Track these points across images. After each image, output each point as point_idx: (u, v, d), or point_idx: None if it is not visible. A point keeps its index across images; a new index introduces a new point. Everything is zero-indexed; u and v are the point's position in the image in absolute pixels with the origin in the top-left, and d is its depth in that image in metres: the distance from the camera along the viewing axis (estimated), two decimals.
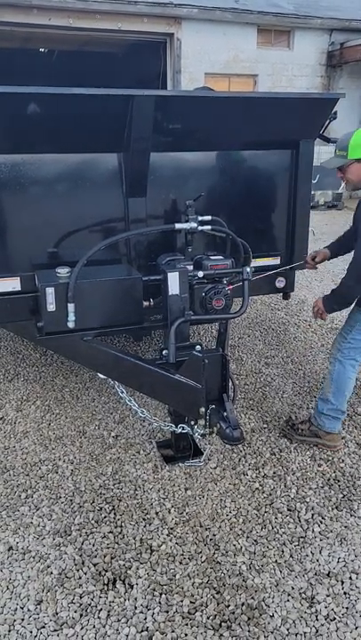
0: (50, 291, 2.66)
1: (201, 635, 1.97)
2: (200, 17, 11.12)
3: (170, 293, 2.71)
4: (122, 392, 2.93)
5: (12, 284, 2.96)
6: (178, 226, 2.98)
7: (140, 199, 3.14)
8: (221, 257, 3.06)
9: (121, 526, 2.49)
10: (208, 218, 3.04)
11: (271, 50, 12.37)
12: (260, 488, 2.76)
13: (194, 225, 2.98)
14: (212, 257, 3.03)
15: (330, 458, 3.00)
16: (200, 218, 3.01)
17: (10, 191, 2.84)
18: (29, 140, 2.75)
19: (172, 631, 1.98)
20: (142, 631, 1.98)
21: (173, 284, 2.71)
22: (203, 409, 2.57)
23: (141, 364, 2.75)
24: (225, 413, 2.51)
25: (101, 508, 2.60)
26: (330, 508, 2.62)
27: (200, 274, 2.84)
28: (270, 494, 2.71)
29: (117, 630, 1.98)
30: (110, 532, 2.45)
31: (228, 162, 3.35)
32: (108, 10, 10.28)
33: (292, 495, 2.71)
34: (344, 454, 3.03)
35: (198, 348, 2.76)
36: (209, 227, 3.04)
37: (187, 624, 2.01)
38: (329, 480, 2.83)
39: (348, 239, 3.13)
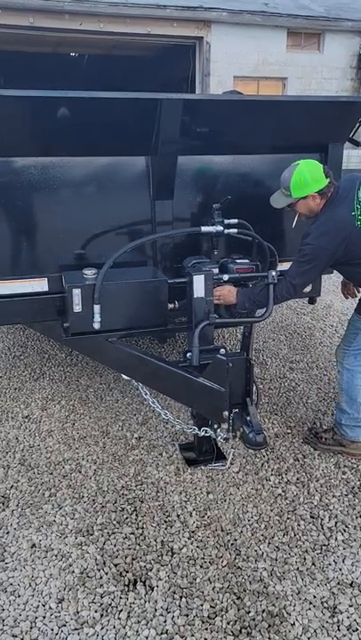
0: (76, 292, 2.69)
1: None
2: (230, 20, 11.14)
3: (195, 296, 2.71)
4: (145, 394, 2.94)
5: (40, 285, 3.00)
6: (204, 229, 2.98)
7: (168, 202, 3.15)
8: (247, 260, 3.05)
9: (142, 528, 2.49)
10: (234, 221, 3.03)
11: (301, 53, 12.31)
12: (283, 494, 2.73)
13: (220, 228, 2.99)
14: (237, 260, 3.02)
15: (355, 465, 2.95)
16: (226, 221, 3.01)
17: (40, 193, 2.89)
18: (59, 143, 2.79)
19: (192, 635, 1.98)
20: (162, 634, 1.98)
21: (199, 286, 2.71)
22: (226, 413, 2.56)
23: (165, 366, 2.76)
24: (248, 418, 2.50)
25: (123, 509, 2.61)
26: (354, 517, 2.58)
27: (225, 277, 2.84)
28: (293, 501, 2.69)
29: (137, 632, 1.99)
30: (132, 533, 2.46)
31: (255, 165, 3.33)
32: (139, 14, 10.39)
33: (315, 502, 2.68)
34: None
35: (223, 351, 2.75)
36: (235, 230, 3.03)
37: (206, 628, 2.00)
38: (353, 488, 2.78)
39: None
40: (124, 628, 2.00)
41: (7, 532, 2.46)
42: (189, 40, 11.35)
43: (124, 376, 3.04)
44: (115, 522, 2.53)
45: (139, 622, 2.03)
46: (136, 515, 2.58)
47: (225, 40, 11.30)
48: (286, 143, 3.20)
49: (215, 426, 2.68)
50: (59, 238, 2.98)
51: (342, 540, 2.44)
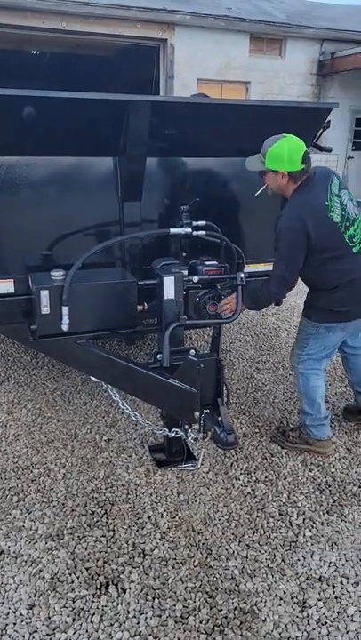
0: (44, 293, 2.66)
1: (194, 639, 1.97)
2: (193, 23, 11.18)
3: (165, 297, 2.72)
4: (115, 395, 2.93)
5: (5, 287, 2.95)
6: (172, 231, 3.00)
7: (136, 203, 3.15)
8: (216, 262, 3.08)
9: (113, 530, 2.48)
10: (202, 223, 3.06)
11: (263, 58, 12.47)
12: (252, 492, 2.77)
13: (188, 230, 3.01)
14: (206, 262, 3.05)
15: (321, 463, 3.02)
16: (194, 223, 3.04)
17: (5, 193, 2.84)
18: (25, 143, 2.76)
19: (165, 635, 1.98)
20: (135, 636, 1.98)
21: (169, 288, 2.73)
22: (197, 413, 2.58)
23: (136, 367, 2.76)
24: (219, 418, 2.53)
25: (94, 512, 2.59)
26: (321, 513, 2.64)
27: (195, 279, 2.86)
28: (262, 499, 2.73)
29: (110, 635, 1.98)
30: (103, 535, 2.45)
31: (222, 168, 3.38)
32: (102, 14, 10.30)
33: (283, 500, 2.73)
34: (335, 459, 3.05)
35: (192, 352, 2.77)
36: (203, 232, 3.06)
37: (180, 628, 2.01)
38: (320, 485, 2.85)
39: None
40: (97, 631, 1.99)
41: None
42: (153, 42, 11.32)
43: (93, 378, 3.02)
44: (85, 525, 2.51)
45: (112, 625, 2.02)
46: (107, 517, 2.56)
47: (189, 43, 11.34)
48: (253, 146, 3.24)
49: (186, 427, 2.70)
50: (25, 239, 2.94)
51: (310, 537, 2.49)
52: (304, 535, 2.50)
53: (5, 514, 2.56)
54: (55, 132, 2.77)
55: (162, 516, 2.58)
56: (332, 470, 2.96)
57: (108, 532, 2.48)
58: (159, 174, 3.22)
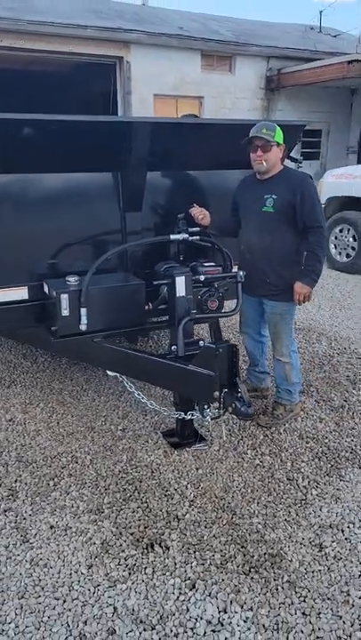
0: (64, 297, 2.96)
1: (235, 579, 2.31)
2: (147, 42, 11.66)
3: (178, 295, 3.07)
4: (130, 387, 3.24)
5: (20, 294, 3.22)
6: (172, 237, 3.37)
7: (137, 213, 3.49)
8: (213, 263, 3.46)
9: (147, 502, 2.79)
10: (197, 229, 3.44)
11: (214, 73, 13.10)
12: (261, 464, 3.14)
13: (186, 236, 3.38)
14: (205, 264, 3.42)
15: (315, 436, 3.43)
16: (190, 230, 3.42)
17: (18, 208, 3.12)
18: (39, 162, 3.04)
19: (211, 578, 2.31)
20: (186, 580, 2.30)
21: (180, 286, 3.07)
22: (217, 393, 2.92)
23: (156, 359, 3.08)
24: (239, 394, 2.88)
25: (125, 489, 2.89)
26: (322, 476, 3.04)
27: (201, 277, 3.21)
28: (270, 468, 3.10)
29: (164, 582, 2.29)
30: (138, 507, 2.75)
31: (213, 180, 3.77)
32: (60, 33, 10.61)
33: (288, 468, 3.11)
34: (326, 432, 3.47)
35: (201, 343, 3.12)
36: (198, 237, 3.44)
37: (222, 572, 2.35)
38: (317, 454, 3.25)
39: (233, 222, 3.53)
40: (152, 580, 2.30)
41: (24, 519, 2.65)
42: (110, 59, 11.73)
43: (109, 373, 3.33)
44: (121, 500, 2.80)
45: (164, 574, 2.33)
46: (138, 492, 2.87)
47: (144, 60, 11.80)
48: (239, 160, 3.65)
49: (205, 406, 3.03)
50: (36, 249, 3.21)
51: (316, 495, 2.88)
52: (311, 494, 2.88)
53: (46, 496, 2.82)
54: (64, 151, 3.06)
55: (187, 488, 2.90)
56: (326, 441, 3.38)
57: (142, 503, 2.78)
58: (157, 186, 3.57)
